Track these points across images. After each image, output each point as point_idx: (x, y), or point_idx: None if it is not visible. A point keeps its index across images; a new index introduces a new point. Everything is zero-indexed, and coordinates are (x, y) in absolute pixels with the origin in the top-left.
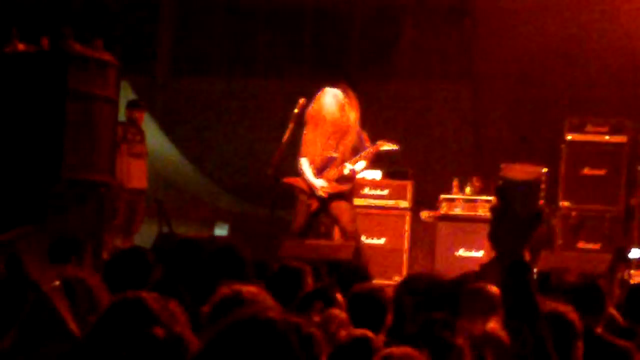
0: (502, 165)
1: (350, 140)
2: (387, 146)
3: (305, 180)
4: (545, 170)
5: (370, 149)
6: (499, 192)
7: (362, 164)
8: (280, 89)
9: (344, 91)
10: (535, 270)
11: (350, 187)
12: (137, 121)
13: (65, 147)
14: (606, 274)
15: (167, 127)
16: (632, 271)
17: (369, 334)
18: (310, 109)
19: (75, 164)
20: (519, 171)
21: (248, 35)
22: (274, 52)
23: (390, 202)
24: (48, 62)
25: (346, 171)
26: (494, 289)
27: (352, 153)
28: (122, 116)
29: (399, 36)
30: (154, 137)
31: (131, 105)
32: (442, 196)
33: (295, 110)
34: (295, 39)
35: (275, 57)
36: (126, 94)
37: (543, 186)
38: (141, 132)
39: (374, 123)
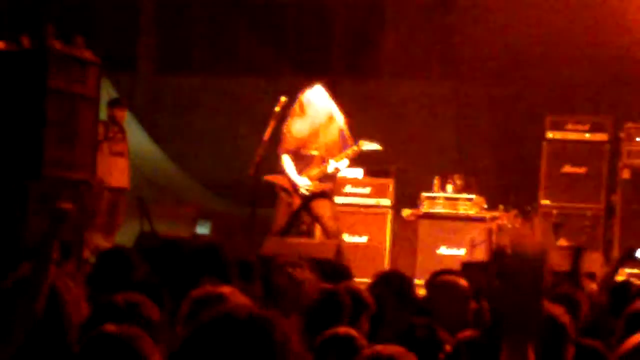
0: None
1: (332, 138)
2: (368, 145)
3: (288, 178)
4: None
5: (353, 148)
6: (506, 267)
7: (345, 162)
8: (262, 86)
9: (326, 89)
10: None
11: (331, 186)
12: (118, 119)
13: (46, 145)
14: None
15: (149, 125)
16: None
17: (353, 332)
18: (293, 107)
19: (56, 162)
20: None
21: (230, 32)
22: (257, 49)
23: (372, 201)
24: (28, 60)
25: (330, 169)
26: (463, 283)
27: (334, 151)
28: (103, 114)
29: (381, 34)
30: (136, 135)
31: (113, 103)
32: (424, 194)
33: (277, 108)
34: (277, 36)
35: (258, 54)
36: (108, 92)
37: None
38: (123, 131)
39: (356, 121)
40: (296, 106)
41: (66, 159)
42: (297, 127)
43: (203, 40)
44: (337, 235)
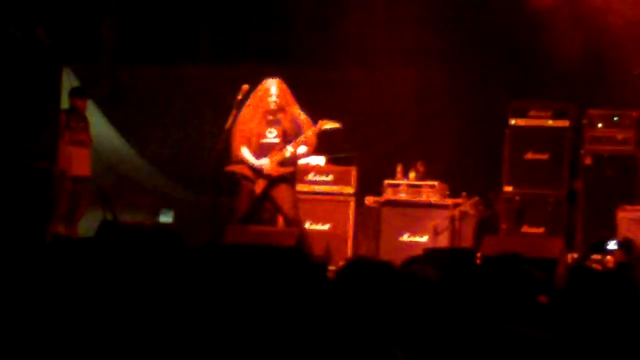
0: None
1: (288, 126)
2: (329, 125)
3: (248, 166)
4: None
5: (312, 129)
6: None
7: (303, 148)
8: (224, 75)
9: (283, 79)
10: (478, 255)
11: (292, 170)
12: (80, 109)
13: (7, 133)
14: (558, 259)
15: (111, 115)
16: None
17: None
18: (251, 96)
19: (18, 151)
20: None
21: (192, 21)
22: (218, 38)
23: (335, 188)
24: None
25: (287, 154)
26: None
27: (290, 138)
28: (65, 104)
29: (342, 22)
30: (98, 124)
31: (74, 92)
32: (386, 182)
33: (239, 97)
34: (239, 25)
35: (220, 43)
36: (69, 82)
37: None
38: (85, 120)
39: (318, 108)
40: (251, 97)
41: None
42: (250, 117)
43: (164, 29)
44: (297, 223)
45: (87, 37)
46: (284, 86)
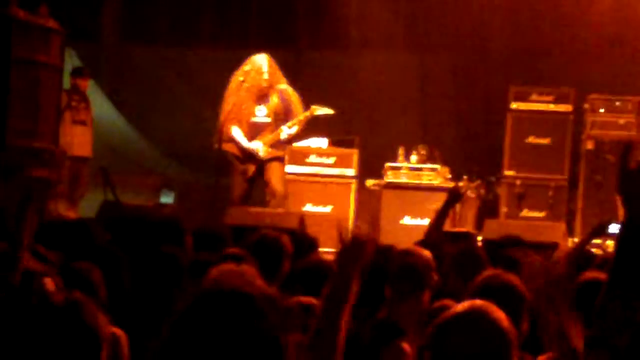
0: None
1: (276, 102)
2: (321, 110)
3: (239, 146)
4: None
5: (305, 113)
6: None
7: (295, 128)
8: (227, 57)
9: (267, 54)
10: (480, 238)
11: (285, 151)
12: (81, 88)
13: (9, 114)
14: (559, 243)
15: (113, 95)
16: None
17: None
18: (237, 73)
19: (19, 131)
20: None
21: (195, 3)
22: (221, 21)
23: (336, 171)
24: None
25: (283, 135)
26: (426, 256)
27: (280, 116)
28: (67, 84)
29: (345, 5)
30: (100, 104)
31: (75, 72)
32: (388, 164)
33: (231, 79)
34: (242, 8)
35: (223, 25)
36: (71, 61)
37: None
38: (86, 100)
39: (321, 92)
40: (239, 74)
41: (29, 128)
42: (241, 95)
43: (168, 10)
44: (283, 198)
45: (90, 17)
46: (273, 62)
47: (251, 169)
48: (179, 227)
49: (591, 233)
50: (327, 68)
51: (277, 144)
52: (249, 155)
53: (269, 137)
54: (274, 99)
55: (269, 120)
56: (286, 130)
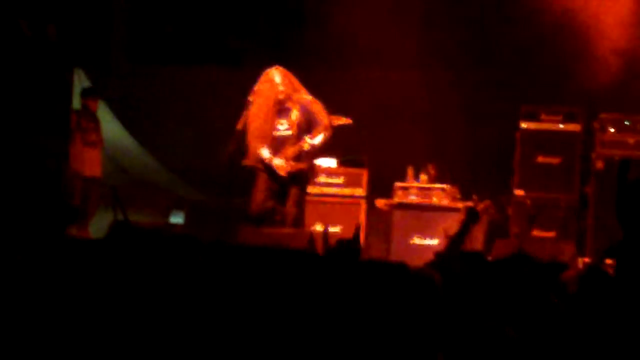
0: None
1: (297, 114)
2: (340, 121)
3: (264, 164)
4: None
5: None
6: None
7: (320, 137)
8: (235, 76)
9: (279, 67)
10: (489, 259)
11: (308, 165)
12: (91, 109)
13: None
14: (569, 263)
15: (123, 115)
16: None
17: None
18: (255, 90)
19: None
20: None
21: (204, 22)
22: (230, 40)
23: (346, 190)
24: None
25: (306, 146)
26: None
27: (303, 127)
28: (77, 104)
29: (353, 23)
30: (110, 125)
31: (85, 93)
32: (397, 184)
33: (250, 98)
34: (251, 27)
35: (231, 44)
36: (81, 82)
37: None
38: (96, 120)
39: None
40: (259, 89)
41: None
42: (262, 113)
43: (176, 30)
44: (297, 222)
45: (99, 37)
46: (288, 72)
47: (275, 186)
48: (194, 243)
49: (603, 253)
50: (336, 86)
51: (301, 156)
52: (272, 174)
53: (291, 149)
54: (295, 112)
55: (290, 133)
56: (309, 141)
